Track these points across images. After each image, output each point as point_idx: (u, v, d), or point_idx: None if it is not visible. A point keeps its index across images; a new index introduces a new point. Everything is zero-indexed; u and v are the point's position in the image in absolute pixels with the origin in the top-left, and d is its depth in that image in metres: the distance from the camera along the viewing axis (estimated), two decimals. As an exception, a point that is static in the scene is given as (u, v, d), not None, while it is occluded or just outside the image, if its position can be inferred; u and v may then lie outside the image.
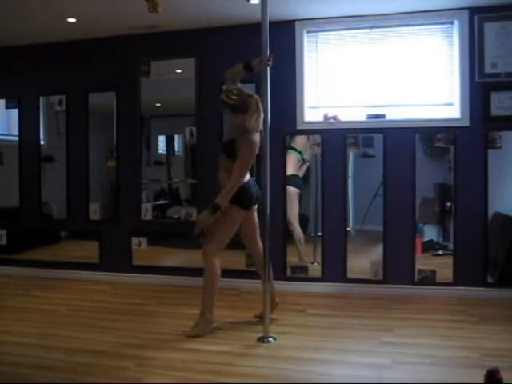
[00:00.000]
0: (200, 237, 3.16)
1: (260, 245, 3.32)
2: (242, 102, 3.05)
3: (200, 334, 3.09)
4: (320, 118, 4.17)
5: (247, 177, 3.18)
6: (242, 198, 3.15)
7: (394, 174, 4.02)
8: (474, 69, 3.89)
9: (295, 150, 4.24)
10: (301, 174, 4.29)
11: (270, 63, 3.05)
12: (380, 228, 4.07)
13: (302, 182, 4.30)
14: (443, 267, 3.97)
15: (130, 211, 4.59)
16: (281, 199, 4.17)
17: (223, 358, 2.76)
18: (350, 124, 4.10)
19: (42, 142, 4.87)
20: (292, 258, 4.25)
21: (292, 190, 4.22)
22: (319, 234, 4.19)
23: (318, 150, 4.15)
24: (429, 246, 4.07)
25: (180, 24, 4.26)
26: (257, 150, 3.09)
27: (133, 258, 4.60)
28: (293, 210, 4.22)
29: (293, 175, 4.24)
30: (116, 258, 4.63)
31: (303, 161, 4.23)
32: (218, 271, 3.20)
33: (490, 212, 3.89)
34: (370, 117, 4.10)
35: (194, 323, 3.15)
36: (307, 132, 4.18)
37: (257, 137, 3.06)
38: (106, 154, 4.67)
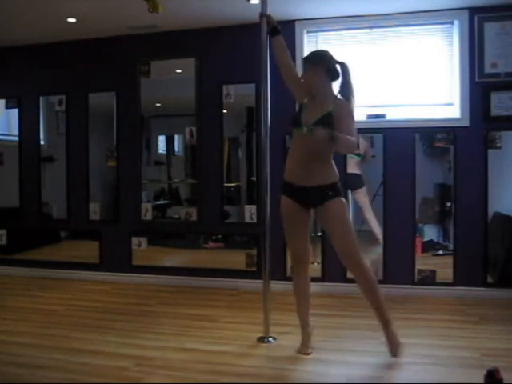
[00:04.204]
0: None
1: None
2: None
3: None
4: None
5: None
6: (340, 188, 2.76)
7: (393, 174, 4.03)
8: (474, 69, 3.89)
9: (358, 155, 4.20)
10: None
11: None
12: (380, 228, 4.07)
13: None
14: (443, 267, 3.97)
15: (130, 211, 4.59)
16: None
17: (223, 357, 2.76)
18: (350, 124, 4.09)
19: (42, 142, 4.87)
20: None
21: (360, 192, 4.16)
22: (319, 234, 4.19)
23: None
24: (429, 246, 4.07)
25: (180, 24, 4.27)
26: None
27: (133, 258, 4.60)
28: None
29: (352, 174, 4.17)
30: (116, 258, 4.63)
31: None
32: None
33: (490, 212, 3.89)
34: (370, 117, 4.10)
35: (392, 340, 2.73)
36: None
37: None
38: (105, 154, 4.67)
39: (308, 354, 2.81)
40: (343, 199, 2.73)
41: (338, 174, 2.76)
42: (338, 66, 2.75)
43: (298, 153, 2.74)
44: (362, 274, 2.69)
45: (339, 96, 2.75)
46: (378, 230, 4.13)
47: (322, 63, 2.73)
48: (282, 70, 2.97)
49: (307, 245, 2.88)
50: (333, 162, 2.75)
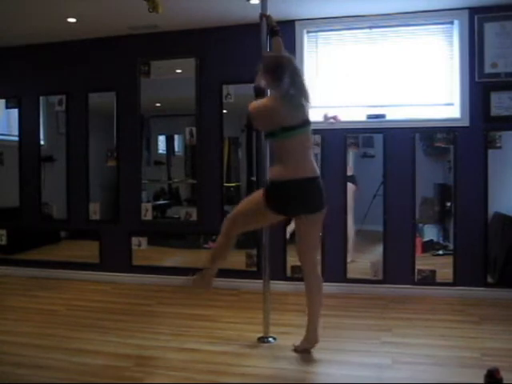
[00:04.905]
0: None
1: (317, 272, 2.88)
2: None
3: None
4: (320, 118, 4.16)
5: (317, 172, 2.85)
6: (274, 192, 2.71)
7: (393, 174, 4.02)
8: (474, 69, 3.89)
9: None
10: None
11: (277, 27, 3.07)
12: (380, 228, 4.06)
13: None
14: (443, 267, 3.96)
15: (130, 211, 4.59)
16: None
17: (223, 357, 2.76)
18: (350, 124, 4.10)
19: (42, 142, 4.87)
20: (291, 258, 4.24)
21: (350, 186, 4.17)
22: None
23: (317, 150, 4.14)
24: (429, 246, 4.07)
25: (180, 24, 4.26)
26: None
27: (133, 258, 4.59)
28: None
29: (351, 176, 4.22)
30: (116, 258, 4.63)
31: None
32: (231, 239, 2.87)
33: (490, 212, 3.89)
34: (370, 117, 4.10)
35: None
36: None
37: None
38: (106, 153, 4.67)
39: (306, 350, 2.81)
40: (260, 191, 2.76)
41: (278, 174, 2.70)
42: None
43: None
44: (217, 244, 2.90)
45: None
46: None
47: (263, 66, 2.76)
48: None
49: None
50: (285, 162, 2.70)
